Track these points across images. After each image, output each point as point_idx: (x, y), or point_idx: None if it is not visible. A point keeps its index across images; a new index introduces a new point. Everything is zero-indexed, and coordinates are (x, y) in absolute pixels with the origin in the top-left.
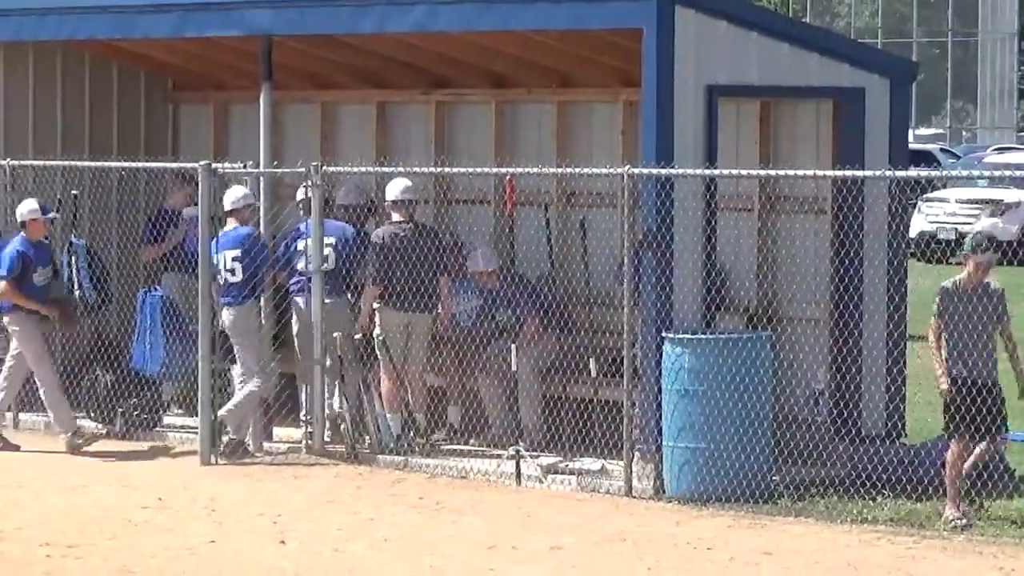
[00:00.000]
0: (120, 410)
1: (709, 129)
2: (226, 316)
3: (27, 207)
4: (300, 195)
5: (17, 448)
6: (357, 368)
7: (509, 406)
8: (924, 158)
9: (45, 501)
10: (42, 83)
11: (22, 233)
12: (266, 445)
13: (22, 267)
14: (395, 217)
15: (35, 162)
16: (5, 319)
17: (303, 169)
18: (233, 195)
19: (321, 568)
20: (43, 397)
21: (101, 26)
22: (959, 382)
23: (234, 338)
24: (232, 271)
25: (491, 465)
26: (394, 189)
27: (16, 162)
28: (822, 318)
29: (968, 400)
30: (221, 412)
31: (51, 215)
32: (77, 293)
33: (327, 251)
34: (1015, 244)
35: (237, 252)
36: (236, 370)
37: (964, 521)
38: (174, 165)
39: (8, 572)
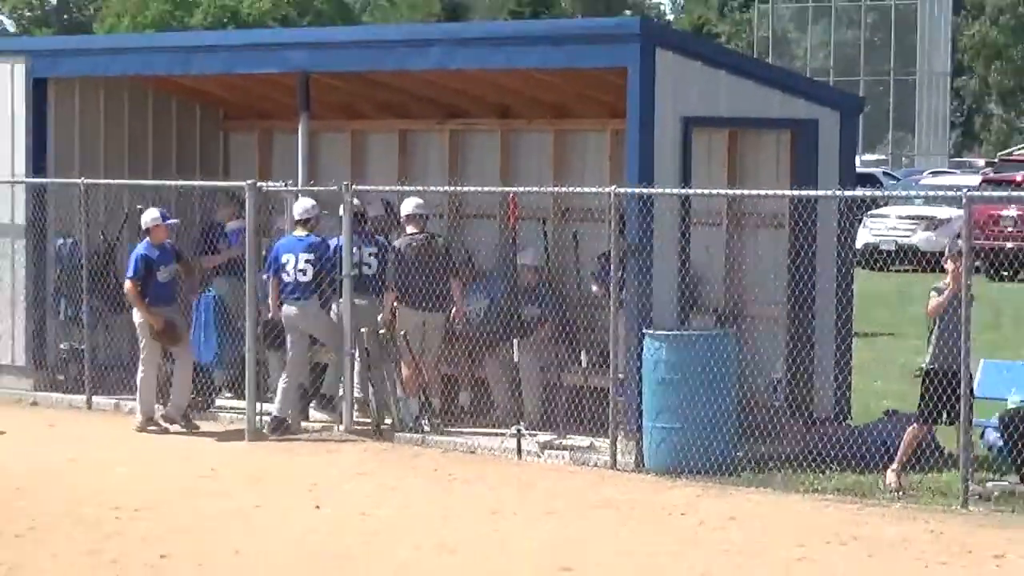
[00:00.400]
0: None
1: (684, 155)
2: (291, 311)
3: (150, 215)
4: (409, 208)
5: (197, 428)
6: (382, 359)
7: (512, 392)
8: (869, 180)
9: (116, 471)
10: (112, 114)
11: (147, 238)
12: (303, 424)
13: (146, 268)
14: (410, 229)
15: (105, 181)
16: (134, 312)
17: (336, 187)
18: (302, 206)
19: (351, 529)
20: (138, 381)
21: (163, 63)
22: (940, 373)
23: (297, 330)
24: (303, 271)
25: (496, 442)
26: (408, 205)
27: (89, 180)
28: (780, 317)
29: (946, 389)
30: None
31: (171, 221)
32: None
33: (372, 259)
34: (945, 255)
35: (311, 256)
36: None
37: (901, 492)
38: (224, 184)
39: (83, 530)
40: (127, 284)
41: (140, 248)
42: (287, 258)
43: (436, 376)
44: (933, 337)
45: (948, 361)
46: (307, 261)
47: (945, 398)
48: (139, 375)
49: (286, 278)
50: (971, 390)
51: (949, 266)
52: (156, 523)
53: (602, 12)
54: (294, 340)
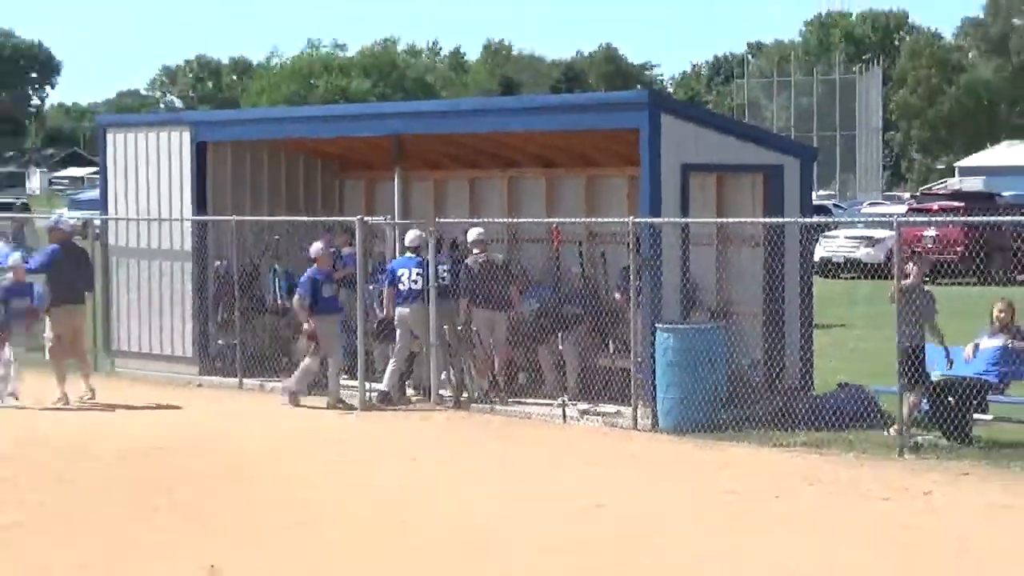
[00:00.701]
0: None
1: (683, 192)
2: (404, 312)
3: (316, 248)
4: (473, 236)
5: (353, 408)
6: (460, 348)
7: (557, 372)
8: (822, 210)
9: (258, 432)
10: (255, 167)
11: (315, 264)
12: (401, 397)
13: (312, 287)
14: (475, 251)
15: (251, 217)
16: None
17: (423, 221)
18: (412, 235)
19: (436, 476)
20: (301, 365)
21: (293, 129)
22: (913, 347)
23: (407, 327)
24: (416, 281)
25: (546, 410)
26: (472, 234)
27: (238, 217)
28: (758, 313)
29: (913, 360)
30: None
31: (332, 250)
32: (279, 301)
33: (446, 274)
34: (881, 266)
35: (420, 270)
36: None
37: (912, 441)
38: (339, 219)
39: (229, 475)
40: (295, 299)
41: (309, 272)
42: (402, 272)
43: (502, 361)
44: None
45: (912, 340)
46: (418, 274)
47: (917, 368)
48: (305, 362)
49: (401, 287)
50: (922, 363)
51: (910, 267)
52: (288, 471)
53: (619, 86)
54: (402, 334)
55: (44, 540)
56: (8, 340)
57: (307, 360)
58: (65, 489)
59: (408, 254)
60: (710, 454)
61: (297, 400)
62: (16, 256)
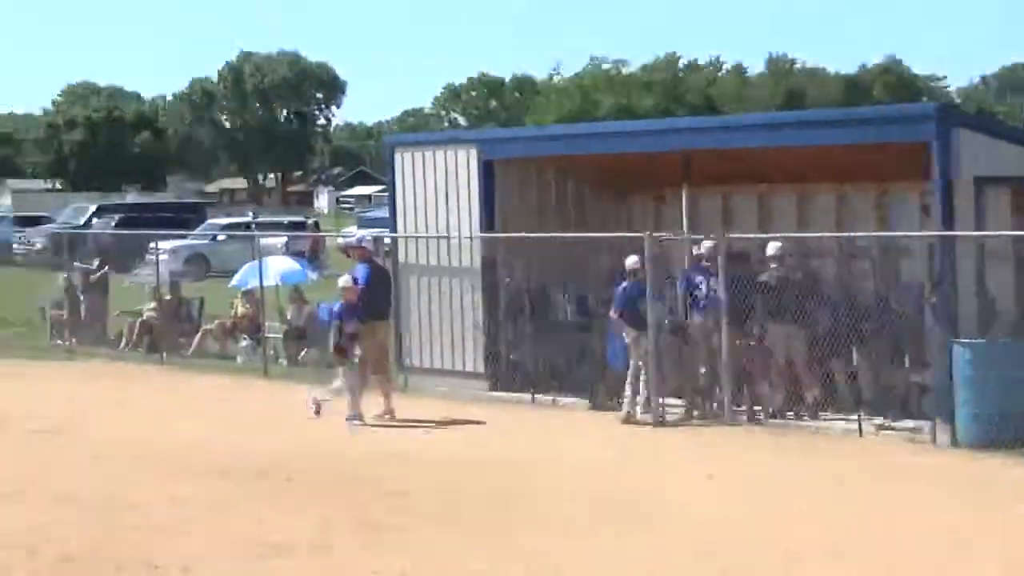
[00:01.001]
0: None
1: (977, 206)
2: (702, 320)
3: (631, 261)
4: (771, 251)
5: (647, 424)
6: (755, 360)
7: (852, 386)
8: None
9: (552, 447)
10: (541, 185)
11: (631, 278)
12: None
13: (627, 300)
14: (772, 266)
15: (537, 235)
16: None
17: (712, 236)
18: (707, 244)
19: (734, 493)
20: (643, 384)
21: (579, 146)
22: None
23: (705, 335)
24: (713, 291)
25: (842, 425)
26: (771, 248)
27: (528, 235)
28: None
29: None
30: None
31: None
32: (569, 318)
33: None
34: None
35: (715, 280)
36: None
37: None
38: (625, 235)
39: (517, 490)
40: (612, 312)
41: (624, 284)
42: (700, 280)
43: (803, 376)
44: None
45: None
46: (713, 285)
47: None
48: (642, 378)
49: (698, 295)
50: None
51: None
52: (584, 487)
53: (904, 99)
54: (699, 341)
55: (367, 551)
56: (345, 363)
57: (643, 376)
58: (378, 507)
59: (704, 262)
60: (1012, 471)
61: (633, 420)
62: (346, 278)
